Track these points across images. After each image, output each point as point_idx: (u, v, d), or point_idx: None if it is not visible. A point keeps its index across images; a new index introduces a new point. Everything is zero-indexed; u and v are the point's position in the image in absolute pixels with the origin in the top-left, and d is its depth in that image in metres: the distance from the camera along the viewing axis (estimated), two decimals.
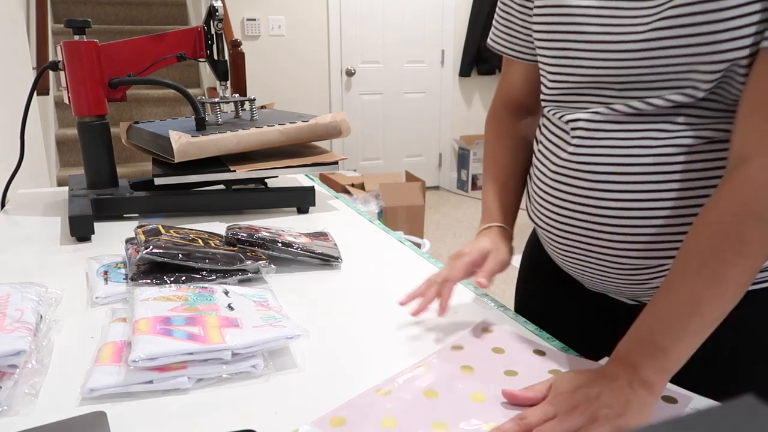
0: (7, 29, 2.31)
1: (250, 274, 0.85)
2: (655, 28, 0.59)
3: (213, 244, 0.89)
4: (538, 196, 0.75)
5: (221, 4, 1.24)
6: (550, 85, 0.72)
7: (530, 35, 0.79)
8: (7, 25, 2.32)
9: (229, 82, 1.33)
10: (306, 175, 1.57)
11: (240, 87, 3.27)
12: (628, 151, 0.63)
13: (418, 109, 4.96)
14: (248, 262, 0.85)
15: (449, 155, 5.16)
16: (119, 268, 0.87)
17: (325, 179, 3.52)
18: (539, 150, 0.76)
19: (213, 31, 1.28)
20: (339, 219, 1.20)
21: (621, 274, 0.69)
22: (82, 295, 0.82)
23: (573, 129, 0.68)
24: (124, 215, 1.18)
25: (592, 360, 0.65)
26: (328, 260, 0.93)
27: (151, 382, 0.59)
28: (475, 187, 5.07)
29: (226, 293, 0.74)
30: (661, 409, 0.56)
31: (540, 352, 0.67)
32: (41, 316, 0.71)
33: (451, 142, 5.12)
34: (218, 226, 1.11)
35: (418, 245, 2.92)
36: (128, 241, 0.93)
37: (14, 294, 0.72)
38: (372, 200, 3.11)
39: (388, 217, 3.18)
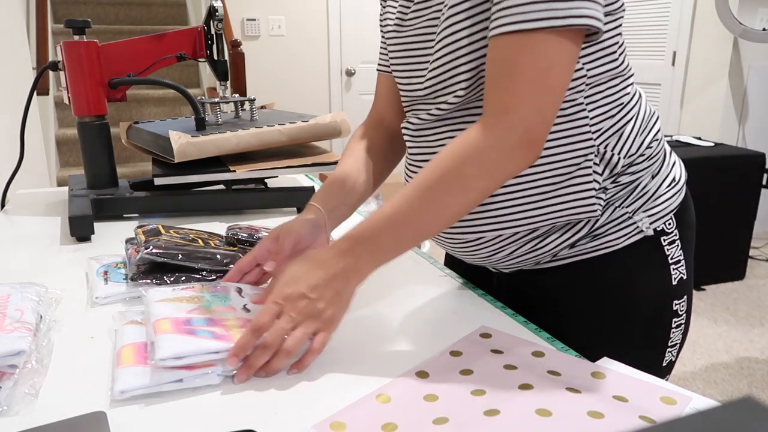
0: (7, 29, 2.30)
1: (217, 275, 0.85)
2: (438, 56, 0.71)
3: (213, 244, 0.89)
4: None
5: (221, 4, 1.24)
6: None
7: None
8: (7, 25, 2.32)
9: (229, 82, 1.33)
10: (306, 175, 1.57)
11: (240, 87, 3.27)
12: (437, 147, 0.76)
13: None
14: None
15: None
16: (119, 268, 0.87)
17: (325, 179, 3.52)
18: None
19: (213, 31, 1.28)
20: None
21: (465, 248, 0.79)
22: (82, 295, 0.82)
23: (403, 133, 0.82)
24: (124, 215, 1.18)
25: (591, 360, 0.65)
26: None
27: (181, 380, 0.59)
28: None
29: (240, 292, 0.74)
30: (662, 409, 0.56)
31: (539, 354, 0.67)
32: (41, 316, 0.71)
33: None
34: (218, 226, 1.11)
35: (418, 245, 2.92)
36: (128, 241, 0.93)
37: (14, 294, 0.72)
38: (372, 200, 3.11)
39: None
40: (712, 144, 3.11)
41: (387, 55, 0.87)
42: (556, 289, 0.79)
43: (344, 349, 0.68)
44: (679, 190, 0.79)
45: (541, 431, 0.52)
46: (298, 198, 1.23)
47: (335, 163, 1.21)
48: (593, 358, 0.66)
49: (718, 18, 3.31)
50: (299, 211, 1.23)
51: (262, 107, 1.52)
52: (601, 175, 0.73)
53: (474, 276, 0.94)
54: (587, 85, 0.70)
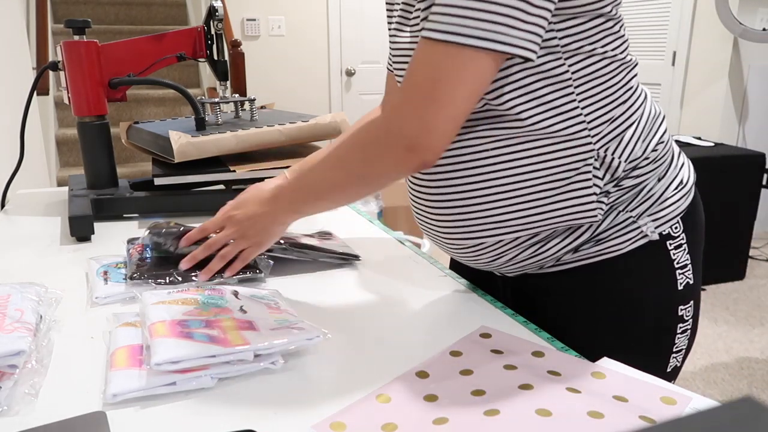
0: (7, 29, 2.30)
1: (249, 273, 0.86)
2: (412, 48, 0.72)
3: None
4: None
5: (221, 4, 1.24)
6: None
7: None
8: (7, 25, 2.32)
9: (228, 83, 1.33)
10: None
11: (240, 87, 3.28)
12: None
13: None
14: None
15: None
16: (119, 268, 0.87)
17: None
18: None
19: (213, 31, 1.28)
20: (338, 219, 1.20)
21: (467, 253, 0.80)
22: (82, 295, 0.82)
23: None
24: (124, 215, 1.18)
25: (590, 361, 0.65)
26: (348, 259, 0.94)
27: (174, 383, 0.59)
28: None
29: (236, 295, 0.74)
30: (662, 409, 0.56)
31: (539, 354, 0.67)
32: (41, 316, 0.71)
33: None
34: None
35: (418, 245, 2.92)
36: (130, 241, 0.93)
37: (14, 294, 0.72)
38: (372, 200, 3.11)
39: (387, 217, 3.18)
40: (712, 144, 3.11)
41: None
42: (560, 294, 0.78)
43: (344, 349, 0.68)
44: (686, 193, 0.77)
45: (541, 431, 0.52)
46: None
47: None
48: (595, 360, 0.66)
49: (718, 18, 3.31)
50: None
51: (262, 107, 1.52)
52: (602, 179, 0.71)
53: (478, 279, 0.93)
54: (578, 87, 0.68)
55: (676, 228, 0.76)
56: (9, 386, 0.58)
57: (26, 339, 0.62)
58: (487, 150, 0.70)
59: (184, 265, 0.83)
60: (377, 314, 0.77)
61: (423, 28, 0.62)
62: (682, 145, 3.09)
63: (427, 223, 0.80)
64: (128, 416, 0.56)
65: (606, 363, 0.64)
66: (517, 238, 0.74)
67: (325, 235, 1.01)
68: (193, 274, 0.83)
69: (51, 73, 3.27)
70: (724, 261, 3.04)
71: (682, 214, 0.76)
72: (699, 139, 3.21)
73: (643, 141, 0.73)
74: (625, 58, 0.71)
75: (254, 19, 4.25)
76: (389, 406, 0.57)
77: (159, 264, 0.85)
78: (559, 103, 0.68)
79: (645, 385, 0.60)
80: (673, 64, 3.73)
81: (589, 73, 0.68)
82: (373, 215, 3.05)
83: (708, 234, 2.91)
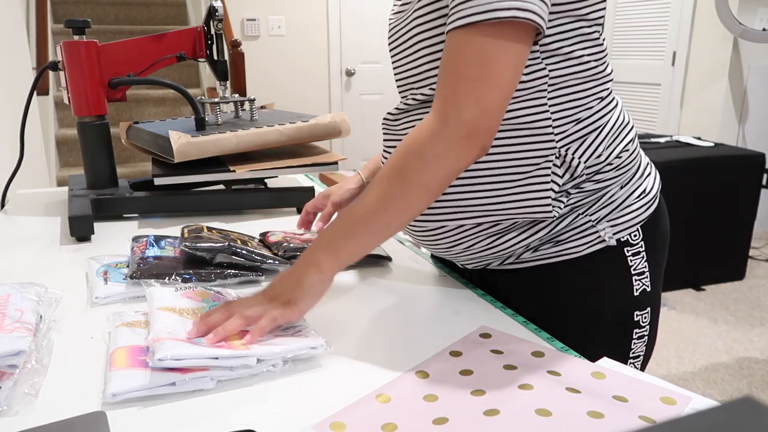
0: (7, 29, 2.30)
1: (251, 276, 0.86)
2: (409, 29, 0.73)
3: (250, 245, 0.91)
4: None
5: (221, 4, 1.24)
6: None
7: None
8: (7, 25, 2.32)
9: (228, 83, 1.33)
10: (306, 175, 1.57)
11: (240, 87, 3.27)
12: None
13: None
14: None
15: None
16: (119, 268, 0.87)
17: (324, 179, 3.52)
18: None
19: (213, 31, 1.28)
20: None
21: (428, 237, 0.80)
22: (82, 295, 0.82)
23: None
24: (124, 215, 1.18)
25: (590, 361, 0.65)
26: (379, 260, 0.94)
27: (174, 384, 0.59)
28: None
29: None
30: (661, 409, 0.56)
31: (539, 354, 0.67)
32: (41, 316, 0.71)
33: None
34: (218, 226, 1.11)
35: (418, 245, 2.91)
36: (135, 239, 0.94)
37: (14, 294, 0.72)
38: None
39: None
40: (712, 144, 3.11)
41: None
42: (520, 292, 0.80)
43: (344, 349, 0.68)
44: (648, 202, 0.78)
45: (541, 431, 0.52)
46: (297, 198, 1.23)
47: (335, 163, 1.21)
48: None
49: (718, 18, 3.31)
50: (299, 211, 1.23)
51: (261, 107, 1.52)
52: (561, 177, 0.72)
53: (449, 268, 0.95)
54: (550, 85, 0.70)
55: (635, 236, 0.77)
56: (9, 386, 0.58)
57: (26, 339, 0.62)
58: None
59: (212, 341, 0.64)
60: (377, 314, 0.77)
61: (452, 20, 0.62)
62: (682, 145, 3.09)
63: None
64: (128, 416, 0.56)
65: (606, 363, 0.64)
66: (479, 224, 0.75)
67: None
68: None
69: (51, 73, 3.27)
70: (724, 261, 3.04)
71: (642, 223, 0.77)
72: (699, 139, 3.21)
73: (607, 147, 0.74)
74: (599, 65, 0.72)
75: (254, 19, 4.25)
76: (389, 406, 0.57)
77: (161, 264, 0.85)
78: (529, 98, 0.69)
79: (645, 385, 0.60)
80: (673, 64, 3.73)
81: (563, 75, 0.70)
82: None
83: (708, 234, 2.91)
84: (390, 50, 0.81)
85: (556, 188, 0.72)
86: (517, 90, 0.69)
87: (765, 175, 3.00)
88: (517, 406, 0.56)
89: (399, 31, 0.77)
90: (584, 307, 0.78)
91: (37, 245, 1.02)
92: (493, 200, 0.73)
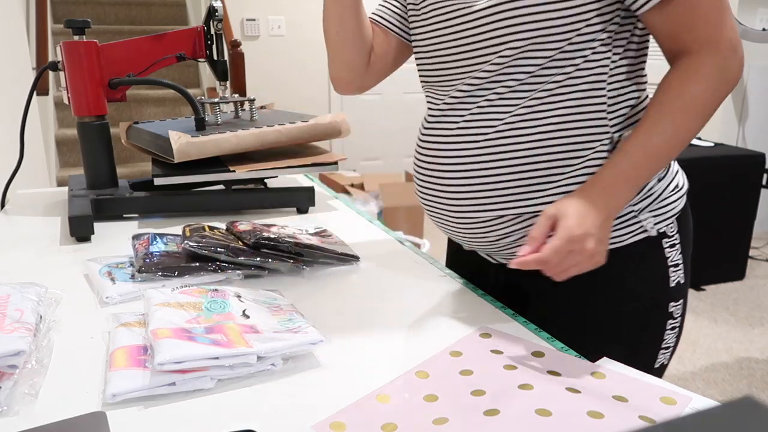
0: (7, 29, 2.30)
1: (253, 269, 0.87)
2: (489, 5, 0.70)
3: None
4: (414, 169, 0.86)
5: (221, 5, 1.24)
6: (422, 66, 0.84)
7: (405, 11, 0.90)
8: (7, 25, 2.32)
9: (228, 83, 1.33)
10: (306, 175, 1.57)
11: (240, 87, 3.27)
12: (465, 131, 0.76)
13: (417, 110, 4.96)
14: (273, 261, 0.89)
15: None
16: (121, 268, 0.87)
17: (324, 179, 3.52)
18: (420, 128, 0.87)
19: (213, 32, 1.28)
20: (338, 219, 1.20)
21: (469, 228, 0.80)
22: (82, 296, 0.82)
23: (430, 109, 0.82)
24: (124, 215, 1.18)
25: (589, 361, 0.65)
26: (347, 259, 0.94)
27: (174, 384, 0.59)
28: None
29: (239, 297, 0.74)
30: (661, 409, 0.56)
31: (539, 354, 0.67)
32: (41, 317, 0.71)
33: None
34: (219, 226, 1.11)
35: (418, 245, 2.92)
36: (135, 237, 0.94)
37: (14, 294, 0.72)
38: (371, 200, 3.11)
39: (387, 218, 3.18)
40: (712, 144, 3.11)
41: (388, 8, 0.91)
42: (553, 284, 0.79)
43: (344, 349, 0.68)
44: (681, 196, 0.80)
45: (541, 431, 0.52)
46: (297, 198, 1.23)
47: (335, 163, 1.21)
48: (588, 354, 0.66)
49: None
50: (299, 211, 1.23)
51: (261, 107, 1.52)
52: None
53: (472, 272, 0.94)
54: (611, 69, 0.72)
55: (671, 228, 0.78)
56: (9, 386, 0.58)
57: (26, 339, 0.62)
58: (514, 118, 0.73)
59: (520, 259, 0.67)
60: (377, 314, 0.77)
61: None
62: None
63: (434, 196, 0.81)
64: (128, 416, 0.56)
65: (606, 363, 0.64)
66: (534, 214, 0.75)
67: (324, 234, 1.01)
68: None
69: (51, 73, 3.27)
70: (724, 261, 3.04)
71: (677, 216, 0.79)
72: (699, 139, 3.21)
73: None
74: (645, 50, 0.76)
75: (254, 19, 4.25)
76: (389, 406, 0.57)
77: (167, 258, 0.86)
78: (589, 86, 0.72)
79: (645, 385, 0.60)
80: None
81: (623, 58, 0.73)
82: (373, 215, 3.05)
83: (708, 234, 2.91)
84: (431, 27, 0.79)
85: None
86: (577, 77, 0.71)
87: (765, 175, 3.00)
88: (517, 406, 0.56)
89: (464, 23, 0.74)
90: (620, 296, 0.78)
91: (37, 245, 1.02)
92: (550, 187, 0.74)
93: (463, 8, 0.73)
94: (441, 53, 0.78)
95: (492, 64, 0.73)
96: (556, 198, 0.74)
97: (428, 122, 0.82)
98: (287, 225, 1.03)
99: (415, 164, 0.85)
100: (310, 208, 1.24)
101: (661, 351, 0.81)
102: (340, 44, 0.89)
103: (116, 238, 1.06)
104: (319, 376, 0.63)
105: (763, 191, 3.05)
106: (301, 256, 0.91)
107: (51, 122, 3.40)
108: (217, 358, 0.60)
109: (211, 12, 1.25)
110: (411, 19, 0.84)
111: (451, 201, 0.79)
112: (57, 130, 3.52)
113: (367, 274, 0.91)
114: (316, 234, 1.00)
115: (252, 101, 1.32)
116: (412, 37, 0.85)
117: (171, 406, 0.57)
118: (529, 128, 0.73)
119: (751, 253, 3.38)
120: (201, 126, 1.21)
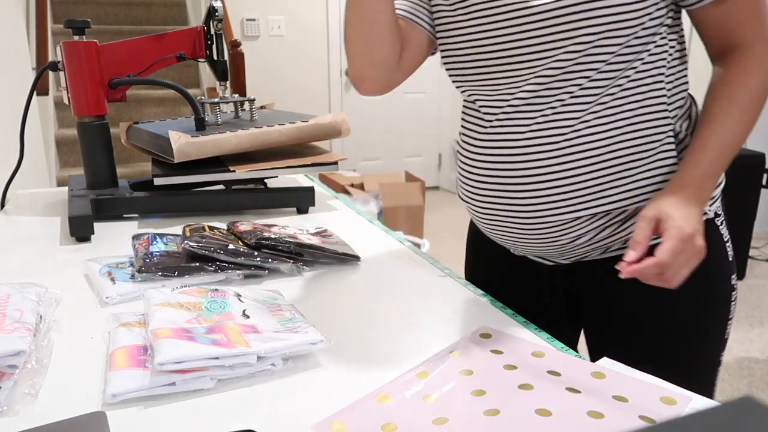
0: (7, 29, 2.30)
1: (253, 269, 0.87)
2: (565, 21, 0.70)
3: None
4: (460, 171, 0.86)
5: (221, 5, 1.24)
6: (458, 63, 0.83)
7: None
8: (7, 25, 2.32)
9: (228, 83, 1.33)
10: (306, 175, 1.57)
11: (239, 87, 3.27)
12: (539, 133, 0.75)
13: (417, 109, 4.96)
14: (274, 262, 0.89)
15: (449, 155, 5.16)
16: (121, 268, 0.87)
17: (324, 179, 3.52)
18: (462, 131, 0.86)
19: (212, 32, 1.28)
20: (338, 219, 1.20)
21: (532, 233, 0.80)
22: (82, 295, 0.82)
23: (486, 111, 0.80)
24: (124, 215, 1.18)
25: (589, 361, 0.65)
26: (348, 259, 0.94)
27: (173, 384, 0.59)
28: None
29: (239, 297, 0.74)
30: (661, 409, 0.56)
31: (539, 354, 0.67)
32: (41, 317, 0.71)
33: (450, 142, 5.13)
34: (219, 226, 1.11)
35: (418, 245, 2.92)
36: (135, 237, 0.95)
37: (14, 294, 0.72)
38: (371, 200, 3.11)
39: (387, 218, 3.18)
40: None
41: (412, 1, 0.86)
42: (623, 281, 0.76)
43: (344, 349, 0.68)
44: (721, 178, 0.83)
45: (541, 431, 0.52)
46: (298, 198, 1.23)
47: (335, 163, 1.21)
48: (654, 340, 0.74)
49: None
50: (299, 211, 1.23)
51: (261, 107, 1.52)
52: (677, 153, 0.76)
53: (510, 277, 0.93)
54: (669, 61, 0.74)
55: (719, 207, 0.82)
56: (9, 386, 0.58)
57: (26, 339, 0.62)
58: (590, 116, 0.74)
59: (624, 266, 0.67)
60: (377, 314, 0.77)
61: None
62: None
63: (498, 203, 0.80)
64: (128, 416, 0.56)
65: (606, 363, 0.64)
66: (607, 213, 0.77)
67: (324, 234, 1.01)
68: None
69: (51, 73, 3.27)
70: None
71: (720, 197, 0.83)
72: None
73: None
74: (685, 44, 0.78)
75: (254, 19, 4.25)
76: (389, 406, 0.57)
77: (167, 258, 0.86)
78: (650, 79, 0.74)
79: (645, 385, 0.60)
80: None
81: (678, 48, 0.76)
82: (373, 215, 3.05)
83: None
84: (481, 21, 0.76)
85: (677, 163, 0.76)
86: (642, 71, 0.73)
87: (765, 175, 3.00)
88: (517, 406, 0.56)
89: (526, 24, 0.73)
90: (692, 278, 0.76)
91: (37, 245, 1.02)
92: (624, 183, 0.75)
93: (520, 3, 0.71)
94: (494, 53, 0.76)
95: (558, 60, 0.72)
96: (629, 194, 0.75)
97: (485, 128, 0.79)
98: (288, 225, 1.03)
99: (468, 172, 0.83)
100: (310, 208, 1.24)
101: (729, 321, 0.84)
102: (371, 39, 0.83)
103: (116, 238, 1.06)
104: (319, 376, 0.63)
105: (763, 191, 3.05)
106: (301, 256, 0.91)
107: (51, 122, 3.40)
108: (217, 358, 0.60)
109: (211, 12, 1.25)
110: (437, 15, 0.83)
111: (523, 206, 0.78)
112: (57, 130, 3.52)
113: (367, 274, 0.91)
114: (316, 234, 1.01)
115: (252, 101, 1.32)
116: (442, 35, 0.83)
117: (171, 406, 0.57)
118: (604, 125, 0.73)
119: (751, 253, 3.38)
120: (201, 126, 1.21)
